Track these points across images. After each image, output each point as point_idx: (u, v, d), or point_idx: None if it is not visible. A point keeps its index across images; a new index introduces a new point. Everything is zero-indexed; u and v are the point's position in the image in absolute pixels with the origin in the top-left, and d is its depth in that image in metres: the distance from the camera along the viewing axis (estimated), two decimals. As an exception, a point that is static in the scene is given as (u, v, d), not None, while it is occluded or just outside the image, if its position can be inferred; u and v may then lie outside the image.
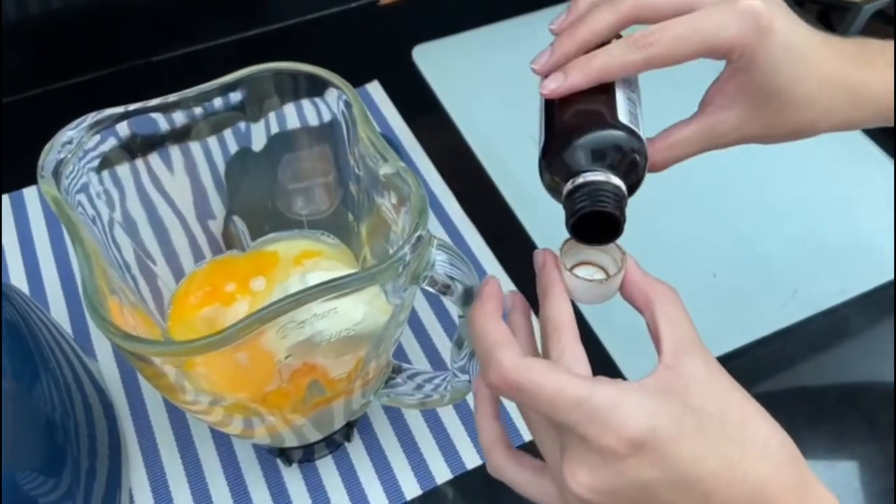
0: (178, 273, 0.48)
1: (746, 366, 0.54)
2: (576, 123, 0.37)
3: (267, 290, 0.47)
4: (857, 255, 0.63)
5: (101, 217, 0.42)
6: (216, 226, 0.49)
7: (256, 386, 0.39)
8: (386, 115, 0.71)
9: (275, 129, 0.47)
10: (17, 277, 0.60)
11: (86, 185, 0.41)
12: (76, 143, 0.40)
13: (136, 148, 0.43)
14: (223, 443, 0.52)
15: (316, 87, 0.44)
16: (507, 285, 0.57)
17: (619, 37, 0.40)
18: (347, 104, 0.43)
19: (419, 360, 0.56)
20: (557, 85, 0.38)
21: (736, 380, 0.34)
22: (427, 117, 0.72)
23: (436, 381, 0.47)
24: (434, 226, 0.64)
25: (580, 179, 0.36)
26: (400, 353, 0.56)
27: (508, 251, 0.62)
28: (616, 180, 0.35)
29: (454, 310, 0.57)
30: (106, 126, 0.41)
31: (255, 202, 0.49)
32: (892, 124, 0.43)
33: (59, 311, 0.58)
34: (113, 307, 0.36)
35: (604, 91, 0.38)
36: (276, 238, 0.51)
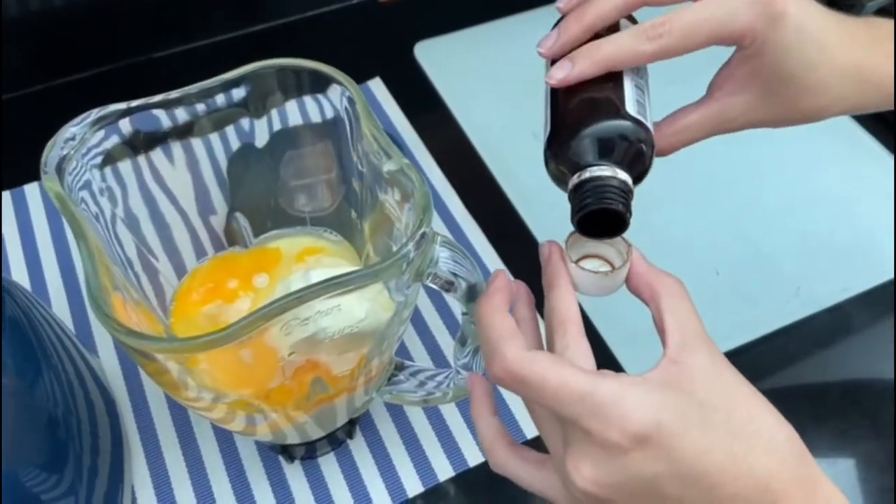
0: (180, 270, 0.48)
1: (749, 363, 0.53)
2: (582, 114, 0.36)
3: (269, 287, 0.47)
4: (860, 252, 0.63)
5: (103, 214, 0.42)
6: (218, 222, 0.49)
7: (259, 383, 0.39)
8: (388, 112, 0.71)
9: (277, 126, 0.47)
10: (19, 274, 0.60)
11: (88, 181, 0.41)
12: (79, 139, 0.40)
13: (138, 144, 0.43)
14: (225, 439, 0.52)
15: (319, 84, 0.44)
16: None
17: (630, 18, 0.40)
18: (351, 101, 0.43)
19: (422, 358, 0.56)
20: (564, 74, 0.37)
21: (739, 377, 0.34)
22: (429, 114, 0.72)
23: (438, 378, 0.47)
24: (436, 222, 0.64)
25: (586, 174, 0.35)
26: (403, 350, 0.56)
27: (510, 247, 0.62)
28: (622, 175, 0.35)
29: (457, 307, 0.57)
30: (109, 122, 0.41)
31: (258, 199, 0.49)
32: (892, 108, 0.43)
33: (60, 308, 0.58)
34: (116, 304, 0.36)
35: (611, 79, 0.37)
36: (279, 235, 0.51)
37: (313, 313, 0.35)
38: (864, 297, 0.61)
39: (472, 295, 0.39)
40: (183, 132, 0.44)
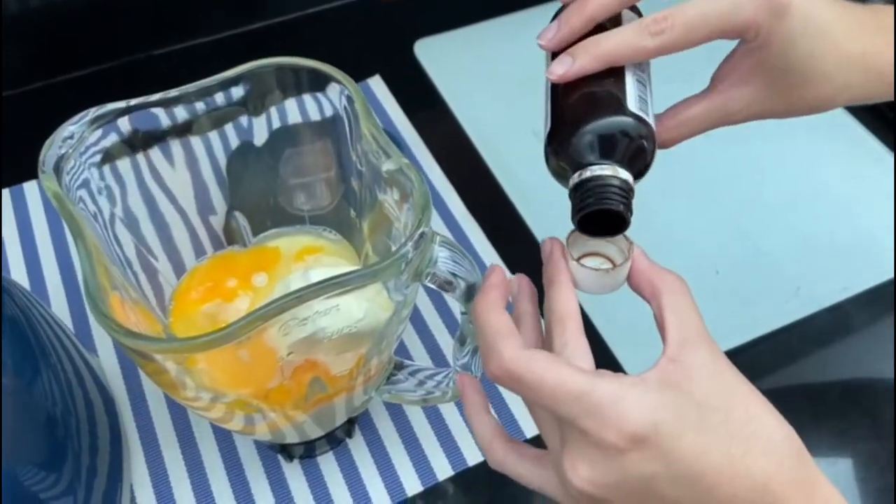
0: (179, 269, 0.48)
1: (749, 363, 0.53)
2: (583, 110, 0.36)
3: (269, 286, 0.47)
4: (860, 251, 0.63)
5: (102, 213, 0.42)
6: (217, 221, 0.49)
7: (258, 383, 0.39)
8: (387, 110, 0.71)
9: (276, 124, 0.47)
10: (18, 272, 0.59)
11: (87, 180, 0.41)
12: (77, 138, 0.39)
13: (137, 143, 0.43)
14: (224, 438, 0.52)
15: (318, 82, 0.44)
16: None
17: (633, 8, 0.39)
18: (349, 99, 0.43)
19: (421, 357, 0.56)
20: (565, 70, 0.36)
21: (739, 377, 0.33)
22: (429, 112, 0.72)
23: (438, 377, 0.47)
24: (435, 220, 0.64)
25: (587, 173, 0.35)
26: (402, 349, 0.56)
27: (510, 246, 0.62)
28: (623, 173, 0.35)
29: (457, 306, 0.57)
30: (107, 121, 0.41)
31: (257, 197, 0.49)
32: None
33: (59, 306, 0.58)
34: (114, 303, 0.36)
35: (612, 74, 0.37)
36: (278, 234, 0.50)
37: (312, 313, 0.35)
38: (865, 297, 0.60)
39: (470, 295, 0.39)
40: (182, 131, 0.44)
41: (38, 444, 0.41)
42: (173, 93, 0.42)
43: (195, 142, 0.45)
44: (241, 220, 0.49)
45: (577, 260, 0.36)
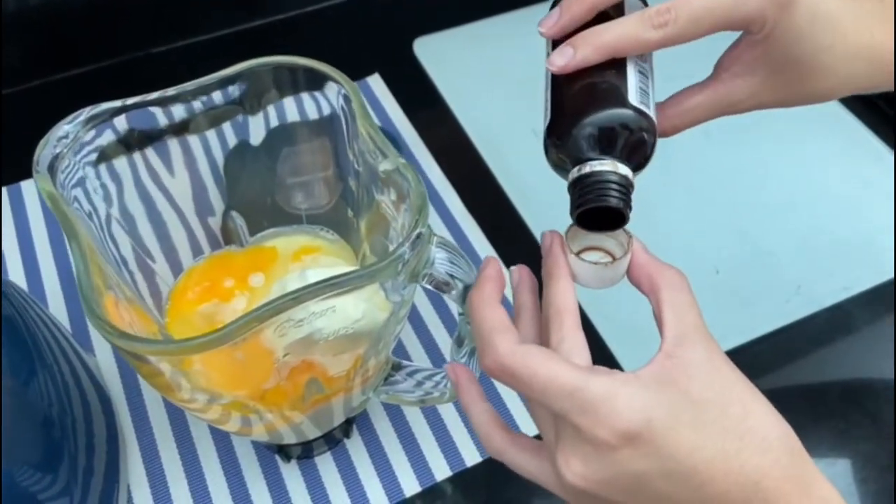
0: (176, 268, 0.48)
1: (749, 362, 0.53)
2: (584, 102, 0.35)
3: (265, 286, 0.46)
4: (861, 251, 0.63)
5: (97, 212, 0.42)
6: (215, 221, 0.49)
7: (254, 384, 0.39)
8: (386, 108, 0.71)
9: (274, 123, 0.46)
10: (15, 271, 0.59)
11: (82, 179, 0.41)
12: (72, 137, 0.39)
13: (133, 142, 0.43)
14: (222, 439, 0.51)
15: (315, 81, 0.44)
16: (507, 280, 0.57)
17: None
18: (346, 98, 0.43)
19: (419, 356, 0.56)
20: (566, 62, 0.36)
21: (739, 377, 0.33)
22: (428, 110, 0.72)
23: (436, 378, 0.47)
24: (434, 219, 0.63)
25: (586, 168, 0.35)
26: (400, 348, 0.56)
27: (509, 245, 0.62)
28: (623, 169, 0.35)
29: (454, 307, 0.57)
30: (102, 120, 0.41)
31: (254, 197, 0.49)
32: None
33: (57, 304, 0.58)
34: (109, 304, 0.36)
35: (614, 65, 0.36)
36: (275, 233, 0.50)
37: (308, 315, 0.35)
38: (865, 296, 0.60)
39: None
40: (179, 129, 0.44)
41: (35, 444, 0.41)
42: (170, 91, 0.42)
43: (192, 141, 0.45)
44: (238, 219, 0.49)
45: (577, 254, 0.36)
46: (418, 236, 0.36)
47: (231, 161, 0.47)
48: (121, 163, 0.43)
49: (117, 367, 0.54)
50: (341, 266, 0.48)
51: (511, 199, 0.66)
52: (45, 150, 0.38)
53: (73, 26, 0.72)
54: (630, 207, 0.35)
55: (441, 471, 0.51)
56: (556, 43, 0.37)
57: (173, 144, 0.44)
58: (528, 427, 0.52)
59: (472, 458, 0.51)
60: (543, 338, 0.35)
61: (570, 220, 0.36)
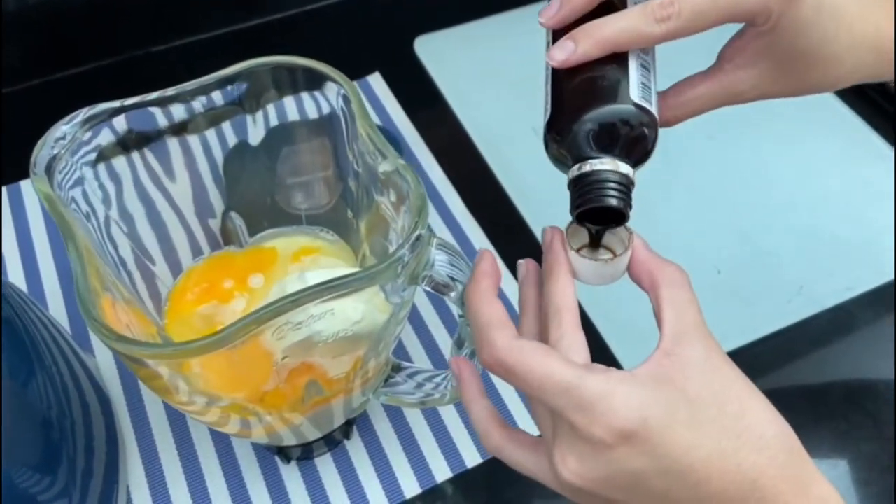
0: (175, 269, 0.48)
1: (750, 363, 0.53)
2: (584, 98, 0.35)
3: (265, 287, 0.46)
4: (863, 251, 0.62)
5: (96, 213, 0.42)
6: (214, 221, 0.49)
7: (253, 386, 0.39)
8: (387, 107, 0.71)
9: (273, 123, 0.46)
10: (15, 270, 0.59)
11: (81, 179, 0.41)
12: (70, 138, 0.39)
13: (132, 142, 0.43)
14: (221, 440, 0.51)
15: (314, 81, 0.44)
16: (507, 280, 0.56)
17: None
18: (346, 99, 0.43)
19: (419, 356, 0.55)
20: (566, 56, 0.35)
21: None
22: (428, 109, 0.72)
23: (436, 379, 0.46)
24: (434, 218, 0.63)
25: (587, 167, 0.34)
26: (400, 349, 0.55)
27: (509, 245, 0.62)
28: (623, 167, 0.34)
29: (455, 309, 0.57)
30: (100, 120, 0.40)
31: (254, 197, 0.49)
32: None
33: (56, 304, 0.57)
34: (106, 306, 0.36)
35: (615, 59, 0.35)
36: (275, 234, 0.50)
37: (307, 317, 0.35)
38: (867, 297, 0.60)
39: (468, 298, 0.39)
40: (178, 130, 0.44)
41: (34, 446, 0.41)
42: (170, 91, 0.42)
43: (191, 141, 0.45)
44: (237, 219, 0.49)
45: (577, 250, 0.35)
46: (418, 238, 0.36)
47: (230, 161, 0.47)
48: (120, 163, 0.43)
49: (117, 368, 0.54)
50: (341, 267, 0.47)
51: (511, 198, 0.65)
52: (42, 152, 0.38)
53: (72, 26, 0.72)
54: (630, 206, 0.34)
55: (441, 472, 0.51)
56: (556, 34, 0.37)
57: (172, 144, 0.44)
58: (527, 426, 0.52)
59: (472, 459, 0.51)
60: (542, 335, 0.35)
61: (570, 219, 0.36)
